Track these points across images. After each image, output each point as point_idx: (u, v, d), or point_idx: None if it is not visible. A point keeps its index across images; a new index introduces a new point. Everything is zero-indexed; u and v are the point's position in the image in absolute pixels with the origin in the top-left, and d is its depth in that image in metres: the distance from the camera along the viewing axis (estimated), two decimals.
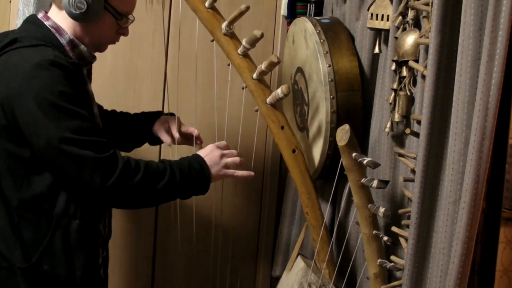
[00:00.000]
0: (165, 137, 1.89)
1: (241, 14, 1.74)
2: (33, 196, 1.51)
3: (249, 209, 2.43)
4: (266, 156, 2.41)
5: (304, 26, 1.89)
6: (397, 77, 1.60)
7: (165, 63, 2.26)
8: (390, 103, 1.62)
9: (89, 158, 1.45)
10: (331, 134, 1.77)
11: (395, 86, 1.60)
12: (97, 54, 1.67)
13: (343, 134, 1.56)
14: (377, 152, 1.71)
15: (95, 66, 1.77)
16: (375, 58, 1.78)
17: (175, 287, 2.35)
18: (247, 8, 1.72)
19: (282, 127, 1.78)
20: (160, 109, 2.28)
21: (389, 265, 1.57)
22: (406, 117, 1.58)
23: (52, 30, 1.57)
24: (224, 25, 1.79)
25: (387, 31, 1.67)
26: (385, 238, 1.57)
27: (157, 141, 1.94)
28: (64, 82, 1.45)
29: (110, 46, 1.69)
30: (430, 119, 1.40)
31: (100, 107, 1.92)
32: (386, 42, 1.69)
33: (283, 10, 2.30)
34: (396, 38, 1.60)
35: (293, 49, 2.01)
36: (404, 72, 1.57)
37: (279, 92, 1.72)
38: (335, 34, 1.84)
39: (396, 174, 1.64)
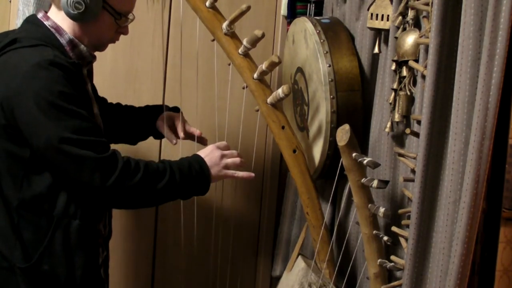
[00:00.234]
0: (168, 135, 1.89)
1: (242, 14, 1.74)
2: (33, 196, 1.51)
3: (249, 209, 2.43)
4: (266, 156, 2.40)
5: (304, 26, 1.89)
6: (397, 77, 1.60)
7: (165, 63, 2.26)
8: (390, 103, 1.62)
9: (89, 158, 1.45)
10: (331, 134, 1.77)
11: (395, 86, 1.60)
12: (97, 54, 1.67)
13: (343, 134, 1.56)
14: (377, 152, 1.71)
15: (95, 66, 1.77)
16: (375, 58, 1.78)
17: (175, 287, 2.35)
18: (248, 8, 1.72)
19: (283, 127, 1.78)
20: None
21: (389, 265, 1.57)
22: (406, 117, 1.58)
23: (52, 30, 1.57)
24: (225, 24, 1.79)
25: (387, 31, 1.67)
26: (385, 238, 1.57)
27: (161, 135, 1.94)
28: (63, 82, 1.45)
29: (110, 46, 1.69)
30: (430, 119, 1.40)
31: (104, 99, 1.93)
32: (386, 42, 1.69)
33: (283, 10, 2.30)
34: (396, 38, 1.60)
35: (293, 49, 2.02)
36: (404, 72, 1.57)
37: (279, 92, 1.72)
38: (335, 34, 1.84)
39: (396, 174, 1.64)
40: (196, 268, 2.36)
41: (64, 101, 1.44)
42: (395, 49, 1.59)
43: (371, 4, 1.70)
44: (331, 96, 1.77)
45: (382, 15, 1.66)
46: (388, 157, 1.66)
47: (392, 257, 1.58)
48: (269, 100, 1.77)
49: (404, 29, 1.58)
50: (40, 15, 1.59)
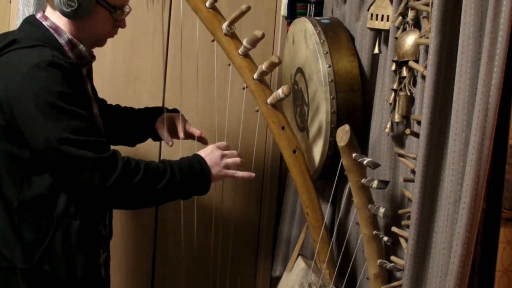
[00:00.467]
0: (165, 136, 1.89)
1: (242, 14, 1.74)
2: (33, 197, 1.51)
3: (249, 209, 2.43)
4: (266, 156, 2.41)
5: (304, 26, 1.89)
6: (397, 77, 1.60)
7: (165, 63, 2.26)
8: (390, 104, 1.62)
9: (88, 159, 1.45)
10: (331, 135, 1.77)
11: (395, 87, 1.60)
12: (97, 54, 1.67)
13: (343, 134, 1.56)
14: (377, 153, 1.71)
15: (95, 66, 1.77)
16: (375, 59, 1.78)
17: (175, 287, 2.35)
18: (248, 8, 1.72)
19: (283, 128, 1.78)
20: None
21: (389, 265, 1.57)
22: (406, 117, 1.58)
23: (51, 30, 1.56)
24: (225, 25, 1.79)
25: (387, 31, 1.67)
26: (385, 238, 1.57)
27: (160, 137, 1.94)
28: (62, 83, 1.45)
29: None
30: (430, 120, 1.40)
31: (103, 101, 1.92)
32: (386, 42, 1.69)
33: (283, 10, 2.30)
34: (396, 38, 1.60)
35: (293, 50, 2.02)
36: (404, 72, 1.57)
37: (279, 92, 1.72)
38: (335, 35, 1.84)
39: (396, 174, 1.64)
40: (196, 268, 2.36)
41: (63, 102, 1.44)
42: (395, 49, 1.59)
43: (371, 5, 1.70)
44: (331, 97, 1.77)
45: (382, 16, 1.66)
46: (388, 158, 1.66)
47: (392, 258, 1.58)
48: (269, 100, 1.77)
49: (404, 29, 1.58)
50: (39, 16, 1.59)
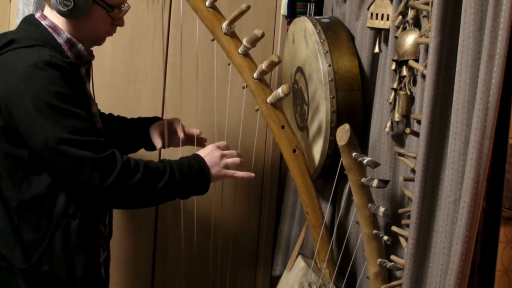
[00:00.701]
0: (157, 141, 1.87)
1: (242, 13, 1.74)
2: (32, 196, 1.51)
3: (249, 209, 2.43)
4: (266, 155, 2.40)
5: (304, 25, 1.89)
6: (397, 76, 1.60)
7: (165, 63, 2.26)
8: (390, 103, 1.62)
9: (87, 158, 1.45)
10: (331, 134, 1.77)
11: (395, 86, 1.60)
12: (97, 54, 1.67)
13: (343, 133, 1.56)
14: (377, 152, 1.71)
15: (95, 66, 1.77)
16: (375, 58, 1.78)
17: (175, 287, 2.35)
18: (248, 8, 1.72)
19: (283, 127, 1.78)
20: (160, 108, 2.28)
21: (389, 264, 1.57)
22: (406, 116, 1.58)
23: (49, 29, 1.56)
24: (224, 24, 1.79)
25: (387, 30, 1.67)
26: (385, 237, 1.57)
27: (153, 147, 1.92)
28: (60, 83, 1.45)
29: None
30: (430, 119, 1.40)
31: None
32: (386, 41, 1.69)
33: (283, 9, 2.30)
34: (396, 37, 1.60)
35: (293, 49, 2.02)
36: (404, 71, 1.57)
37: (279, 91, 1.72)
38: (335, 34, 1.84)
39: (396, 173, 1.64)
40: (196, 268, 2.36)
41: (61, 102, 1.44)
42: (395, 48, 1.59)
43: (371, 4, 1.70)
44: (331, 96, 1.77)
45: (382, 15, 1.66)
46: (388, 157, 1.66)
47: (392, 257, 1.58)
48: (269, 99, 1.77)
49: (404, 28, 1.58)
50: (37, 15, 1.59)
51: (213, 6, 1.81)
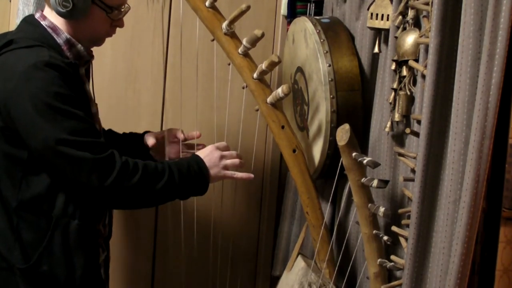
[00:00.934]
0: (150, 140, 1.86)
1: (242, 13, 1.74)
2: (31, 197, 1.51)
3: (249, 209, 2.43)
4: (266, 156, 2.40)
5: (304, 25, 1.89)
6: (397, 76, 1.60)
7: (165, 63, 2.26)
8: (390, 103, 1.62)
9: (86, 159, 1.45)
10: (331, 134, 1.77)
11: (395, 86, 1.60)
12: (97, 54, 1.67)
13: (343, 133, 1.56)
14: (377, 152, 1.71)
15: (95, 66, 1.77)
16: (375, 58, 1.78)
17: (175, 287, 2.35)
18: (248, 8, 1.72)
19: (283, 127, 1.78)
20: (160, 108, 2.28)
21: (389, 264, 1.57)
22: (406, 116, 1.58)
23: (49, 30, 1.56)
24: (224, 24, 1.79)
25: (387, 30, 1.67)
26: (385, 237, 1.57)
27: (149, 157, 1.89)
28: (59, 83, 1.45)
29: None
30: (430, 119, 1.40)
31: None
32: (386, 41, 1.68)
33: (283, 9, 2.30)
34: (396, 37, 1.60)
35: (293, 49, 2.01)
36: (404, 71, 1.57)
37: (279, 91, 1.72)
38: (335, 34, 1.84)
39: (396, 173, 1.64)
40: (196, 267, 2.35)
41: (60, 102, 1.44)
42: (395, 48, 1.59)
43: (371, 4, 1.70)
44: (331, 96, 1.77)
45: (382, 15, 1.66)
46: (388, 157, 1.66)
47: (392, 257, 1.58)
48: (269, 99, 1.77)
49: (404, 28, 1.58)
50: (37, 15, 1.59)
51: (213, 6, 1.81)
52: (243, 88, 1.91)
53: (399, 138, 1.64)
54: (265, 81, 1.80)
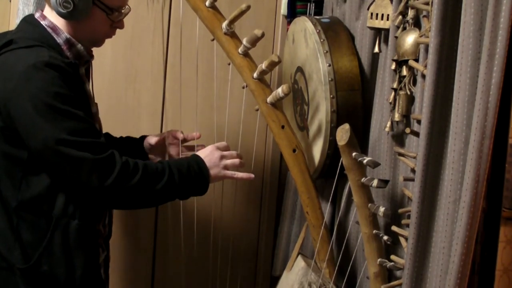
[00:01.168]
0: (153, 139, 1.88)
1: (242, 13, 1.74)
2: (31, 197, 1.51)
3: (249, 209, 2.43)
4: (266, 155, 2.40)
5: (304, 25, 1.89)
6: (397, 76, 1.60)
7: (165, 63, 2.26)
8: (390, 103, 1.62)
9: (86, 160, 1.44)
10: (331, 134, 1.77)
11: (395, 86, 1.60)
12: (97, 54, 1.67)
13: (343, 133, 1.56)
14: (377, 152, 1.71)
15: (95, 66, 1.77)
16: (375, 58, 1.78)
17: (175, 287, 2.35)
18: (248, 7, 1.72)
19: (283, 127, 1.78)
20: (160, 108, 2.28)
21: (389, 264, 1.57)
22: (406, 116, 1.58)
23: (49, 29, 1.56)
24: (224, 24, 1.79)
25: (387, 30, 1.67)
26: (385, 237, 1.57)
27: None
28: (59, 83, 1.45)
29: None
30: (430, 119, 1.40)
31: None
32: (386, 41, 1.68)
33: (283, 9, 2.30)
34: (396, 37, 1.60)
35: (293, 49, 2.01)
36: (404, 71, 1.57)
37: (279, 91, 1.72)
38: (335, 34, 1.84)
39: (396, 173, 1.64)
40: (196, 267, 2.36)
41: (60, 102, 1.44)
42: (395, 48, 1.59)
43: (371, 4, 1.70)
44: (331, 96, 1.77)
45: (382, 15, 1.66)
46: (388, 157, 1.66)
47: (392, 257, 1.58)
48: (269, 99, 1.77)
49: (404, 28, 1.58)
50: (37, 15, 1.59)
51: (213, 6, 1.81)
52: (243, 88, 1.91)
53: (399, 138, 1.64)
54: (265, 81, 1.81)
